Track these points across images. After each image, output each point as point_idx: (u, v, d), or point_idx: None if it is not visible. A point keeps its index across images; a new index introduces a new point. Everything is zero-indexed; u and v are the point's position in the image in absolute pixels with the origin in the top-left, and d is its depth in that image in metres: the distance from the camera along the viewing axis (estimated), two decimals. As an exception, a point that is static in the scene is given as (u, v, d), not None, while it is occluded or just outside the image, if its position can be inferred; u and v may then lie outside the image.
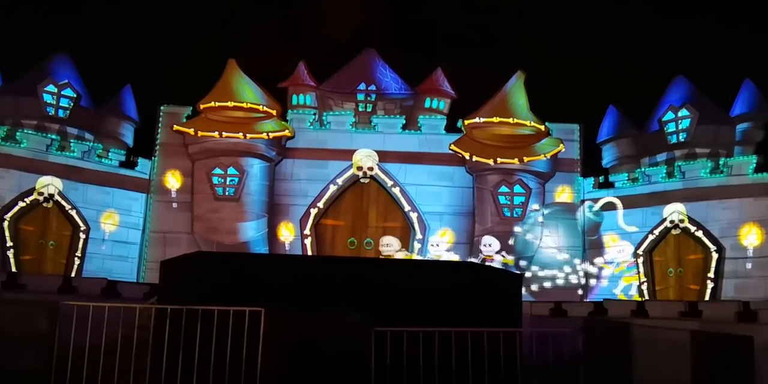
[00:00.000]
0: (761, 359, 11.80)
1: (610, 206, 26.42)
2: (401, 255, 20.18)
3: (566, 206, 26.41)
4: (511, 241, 25.73)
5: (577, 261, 25.82)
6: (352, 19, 33.71)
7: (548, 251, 25.99)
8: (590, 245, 26.54)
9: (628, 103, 28.55)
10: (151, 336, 9.80)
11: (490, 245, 25.54)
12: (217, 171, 25.95)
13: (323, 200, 26.50)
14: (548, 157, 26.12)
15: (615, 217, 26.21)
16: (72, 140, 25.53)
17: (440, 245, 26.00)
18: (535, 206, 26.12)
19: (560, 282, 25.47)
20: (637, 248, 25.42)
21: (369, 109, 28.08)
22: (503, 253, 25.20)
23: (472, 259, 24.59)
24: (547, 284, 25.40)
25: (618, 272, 25.79)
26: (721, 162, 24.85)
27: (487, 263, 23.83)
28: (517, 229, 25.85)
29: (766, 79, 26.49)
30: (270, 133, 25.83)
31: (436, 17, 34.37)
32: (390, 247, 24.48)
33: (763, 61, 28.41)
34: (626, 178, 26.37)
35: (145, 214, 26.31)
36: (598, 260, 25.94)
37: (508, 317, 10.88)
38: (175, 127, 25.98)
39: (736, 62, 29.75)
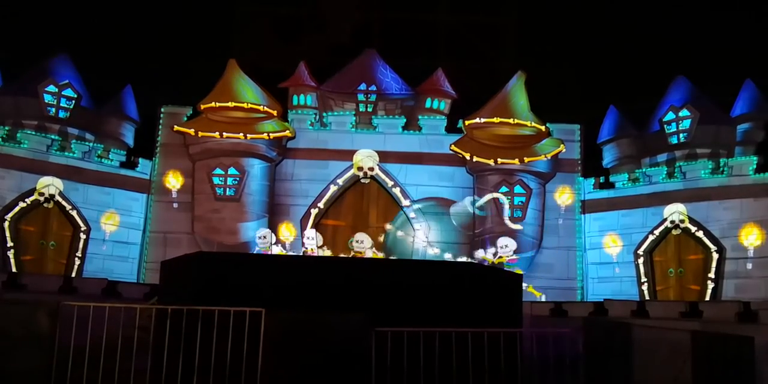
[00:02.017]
0: (762, 360, 11.81)
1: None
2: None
3: (442, 201, 26.08)
4: (381, 238, 25.41)
5: (448, 255, 25.26)
6: (352, 19, 33.74)
7: (418, 246, 25.76)
8: (469, 240, 26.04)
9: (629, 104, 28.50)
10: (152, 336, 9.82)
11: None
12: (218, 171, 25.95)
13: (324, 200, 26.49)
14: (549, 157, 26.07)
15: (614, 218, 26.20)
16: (72, 141, 25.53)
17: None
18: (406, 202, 26.07)
19: None
20: (637, 248, 25.42)
21: (369, 110, 28.07)
22: (374, 250, 24.92)
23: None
24: None
25: (497, 264, 25.45)
26: (721, 162, 24.83)
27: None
28: (387, 226, 25.76)
29: (766, 80, 26.47)
30: (270, 134, 25.82)
31: (436, 17, 34.45)
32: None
33: (764, 61, 28.36)
34: (627, 179, 26.32)
35: (146, 215, 26.30)
36: (478, 253, 25.25)
37: (508, 317, 10.90)
38: (176, 127, 25.98)
39: (736, 62, 29.69)
